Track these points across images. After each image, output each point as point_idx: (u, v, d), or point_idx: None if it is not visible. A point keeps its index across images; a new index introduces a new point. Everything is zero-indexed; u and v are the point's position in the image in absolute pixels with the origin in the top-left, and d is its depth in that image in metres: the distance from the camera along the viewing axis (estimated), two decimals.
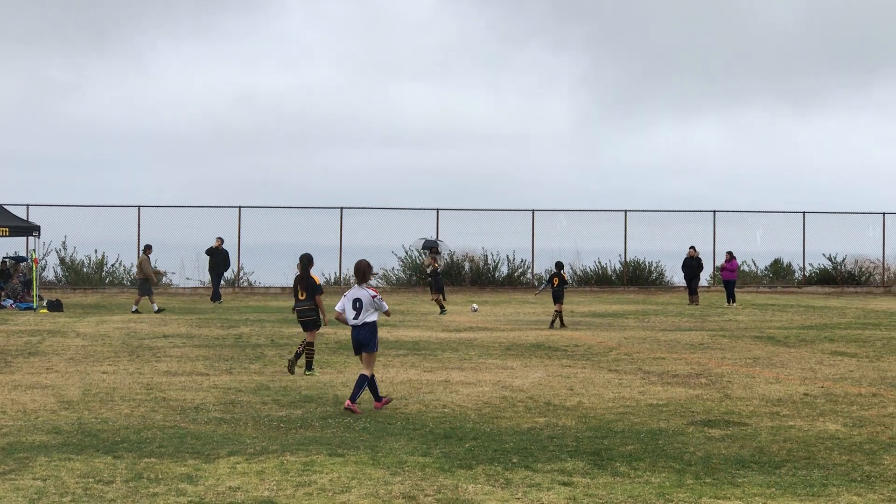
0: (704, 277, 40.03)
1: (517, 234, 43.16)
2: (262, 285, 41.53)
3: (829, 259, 45.08)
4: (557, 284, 24.61)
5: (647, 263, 44.14)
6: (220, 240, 34.49)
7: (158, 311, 27.99)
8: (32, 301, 30.01)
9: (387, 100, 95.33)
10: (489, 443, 9.94)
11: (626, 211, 43.59)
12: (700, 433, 10.58)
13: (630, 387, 14.02)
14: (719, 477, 8.55)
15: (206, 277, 38.63)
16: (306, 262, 15.65)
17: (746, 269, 44.97)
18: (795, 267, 45.79)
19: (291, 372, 15.06)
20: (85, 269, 40.82)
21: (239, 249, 40.63)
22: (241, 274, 41.79)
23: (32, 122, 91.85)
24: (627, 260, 43.85)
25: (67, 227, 40.05)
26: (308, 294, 15.38)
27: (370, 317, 12.05)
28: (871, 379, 14.98)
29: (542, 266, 43.41)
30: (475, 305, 31.25)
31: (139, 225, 40.39)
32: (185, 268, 39.52)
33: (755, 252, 45.58)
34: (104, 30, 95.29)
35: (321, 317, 15.43)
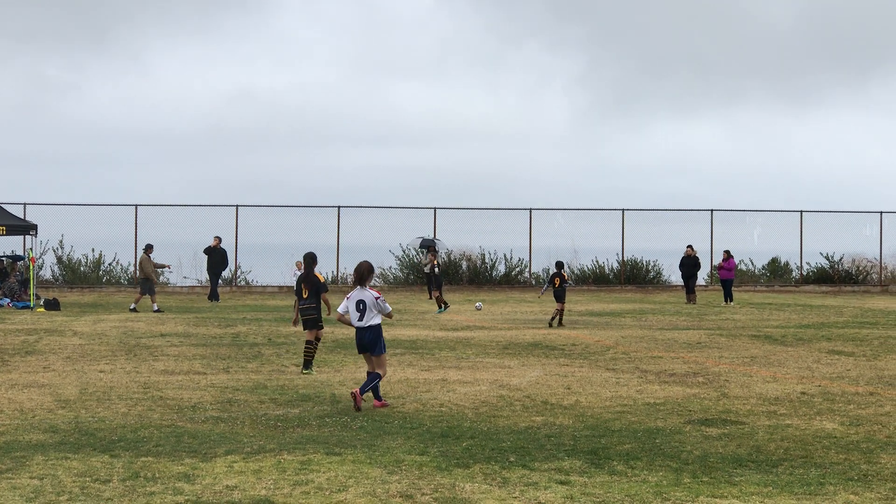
0: (702, 276, 40.04)
1: (515, 232, 43.19)
2: (259, 284, 41.50)
3: (827, 258, 45.11)
4: (559, 284, 24.68)
5: (644, 262, 44.14)
6: (218, 239, 34.45)
7: (157, 311, 27.97)
8: (29, 300, 29.98)
9: (384, 99, 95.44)
10: (486, 442, 9.94)
11: (623, 210, 43.60)
12: (697, 432, 10.58)
13: (627, 386, 14.03)
14: (716, 476, 8.55)
15: (204, 276, 38.62)
16: (309, 260, 15.67)
17: (744, 267, 44.99)
18: (793, 266, 45.82)
19: (307, 369, 15.20)
20: (82, 268, 40.78)
21: (236, 248, 40.60)
22: (239, 273, 41.78)
23: (30, 120, 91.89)
24: (625, 259, 43.85)
25: (65, 225, 40.08)
26: (311, 292, 15.40)
27: (374, 319, 12.07)
28: (868, 378, 14.99)
29: (540, 265, 43.47)
30: (479, 303, 31.34)
31: (136, 224, 40.35)
32: (182, 266, 39.50)
33: (752, 251, 45.63)
34: (103, 29, 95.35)
35: (327, 310, 15.45)
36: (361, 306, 12.06)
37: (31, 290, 30.13)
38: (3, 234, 31.50)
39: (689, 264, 35.38)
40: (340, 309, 12.26)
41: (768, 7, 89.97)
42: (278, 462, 8.96)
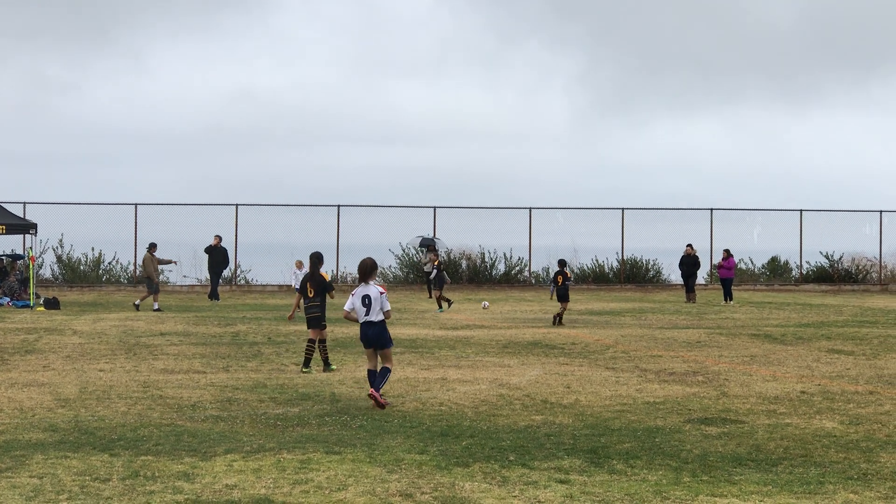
0: (701, 275, 40.05)
1: (514, 231, 43.22)
2: (259, 283, 41.50)
3: (827, 257, 45.12)
4: (561, 282, 24.68)
5: (644, 261, 44.17)
6: (219, 238, 34.44)
7: (157, 311, 27.96)
8: (29, 299, 29.99)
9: (384, 97, 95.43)
10: (486, 441, 9.94)
11: (623, 209, 43.61)
12: (697, 431, 10.58)
13: (627, 384, 14.03)
14: (716, 475, 8.55)
15: (203, 275, 38.64)
16: (316, 260, 15.68)
17: (743, 266, 45.00)
18: (792, 265, 45.84)
19: (329, 368, 15.27)
20: (82, 267, 40.80)
21: (236, 247, 40.61)
22: (239, 272, 41.78)
23: (30, 120, 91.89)
24: (625, 258, 43.87)
25: (64, 224, 40.10)
26: (317, 292, 15.41)
27: (380, 315, 12.09)
28: (867, 377, 14.99)
29: (540, 264, 43.51)
30: (486, 302, 31.41)
31: (136, 223, 40.38)
32: (182, 265, 39.52)
33: (752, 250, 45.67)
34: (103, 28, 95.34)
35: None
36: (367, 301, 12.09)
37: (31, 289, 30.13)
38: (2, 233, 31.52)
39: (689, 263, 35.39)
40: (346, 306, 12.28)
41: (768, 6, 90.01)
42: (278, 461, 8.95)
